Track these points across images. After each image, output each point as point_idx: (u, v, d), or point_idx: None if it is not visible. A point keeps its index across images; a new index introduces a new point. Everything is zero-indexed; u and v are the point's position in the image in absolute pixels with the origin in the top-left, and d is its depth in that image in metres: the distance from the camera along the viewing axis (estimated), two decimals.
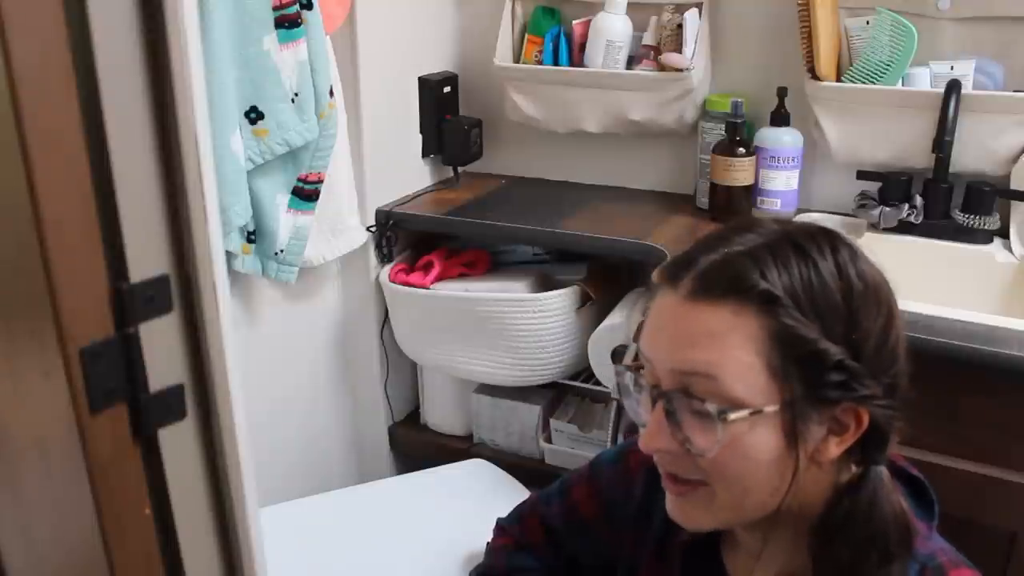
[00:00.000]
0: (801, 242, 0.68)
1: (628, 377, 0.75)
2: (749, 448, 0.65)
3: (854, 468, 0.70)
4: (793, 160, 1.52)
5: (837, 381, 0.65)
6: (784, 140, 1.52)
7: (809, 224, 0.72)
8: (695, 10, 1.56)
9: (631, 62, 1.63)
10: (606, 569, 0.91)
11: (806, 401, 0.65)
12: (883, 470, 0.69)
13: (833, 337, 0.65)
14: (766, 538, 0.75)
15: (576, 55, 1.67)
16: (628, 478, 0.89)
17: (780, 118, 1.53)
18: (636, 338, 0.79)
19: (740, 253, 0.67)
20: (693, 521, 0.72)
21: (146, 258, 0.49)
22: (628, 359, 1.43)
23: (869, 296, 0.67)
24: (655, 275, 0.72)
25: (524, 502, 1.02)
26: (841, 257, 0.67)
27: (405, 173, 1.74)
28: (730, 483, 0.67)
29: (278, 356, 1.56)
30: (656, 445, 0.69)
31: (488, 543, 1.03)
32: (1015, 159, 1.39)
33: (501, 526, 1.03)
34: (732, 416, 0.64)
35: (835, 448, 0.68)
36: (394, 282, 1.63)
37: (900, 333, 0.69)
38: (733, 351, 0.65)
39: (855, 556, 0.68)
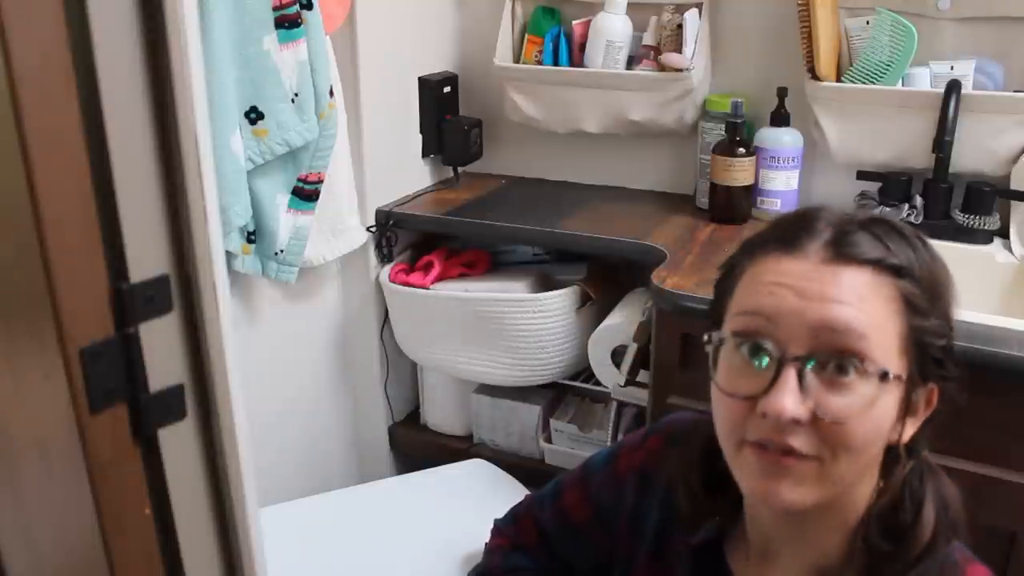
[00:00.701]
0: (896, 225, 0.70)
1: (727, 347, 0.69)
2: (880, 416, 0.65)
3: (903, 460, 0.71)
4: (793, 160, 1.52)
5: (937, 359, 0.67)
6: (784, 140, 1.52)
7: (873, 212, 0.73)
8: (695, 10, 1.56)
9: (631, 62, 1.63)
10: (601, 572, 0.90)
11: (916, 376, 0.67)
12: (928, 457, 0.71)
13: (939, 316, 0.68)
14: (804, 531, 0.72)
15: (576, 55, 1.67)
16: (619, 481, 0.88)
17: (780, 118, 1.53)
18: (711, 310, 0.75)
19: (855, 224, 0.68)
20: (791, 499, 0.66)
21: (146, 258, 0.49)
22: (629, 359, 1.43)
23: (948, 274, 0.70)
24: (750, 245, 0.71)
25: (520, 503, 1.02)
26: (924, 238, 0.70)
27: (405, 173, 1.74)
28: (853, 453, 0.65)
29: (278, 356, 1.56)
30: (795, 412, 0.63)
31: (486, 543, 1.03)
32: (1015, 159, 1.39)
33: (498, 527, 1.03)
34: (890, 379, 0.64)
35: (910, 430, 0.69)
36: (394, 282, 1.63)
37: None
38: (879, 315, 0.65)
39: (916, 548, 0.68)
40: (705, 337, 0.71)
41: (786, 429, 0.64)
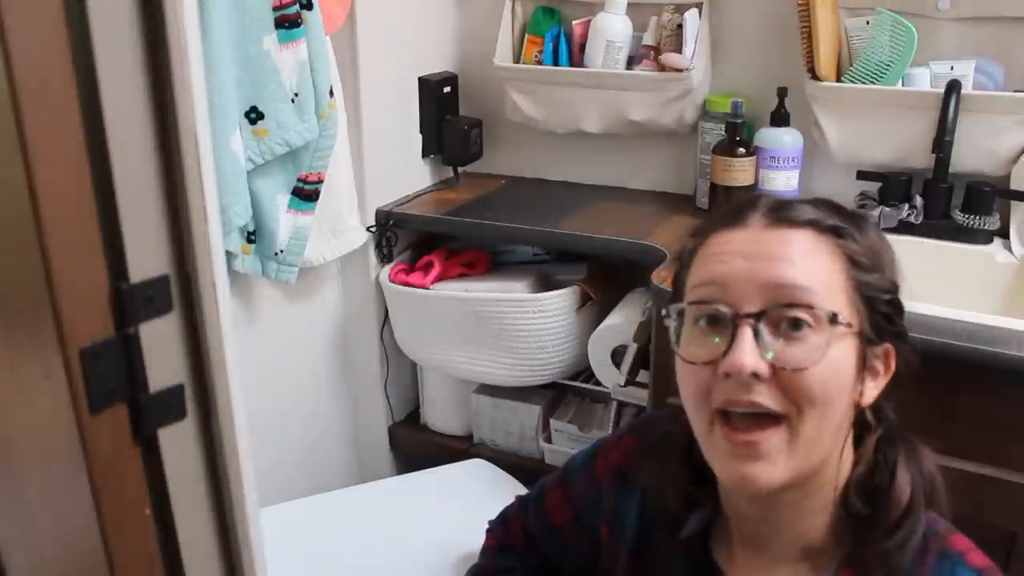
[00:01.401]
0: (837, 204, 0.74)
1: (676, 320, 0.72)
2: (838, 364, 0.67)
3: (873, 426, 0.73)
4: (793, 160, 1.52)
5: (886, 314, 0.70)
6: (784, 140, 1.52)
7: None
8: (695, 10, 1.56)
9: (631, 62, 1.63)
10: (588, 572, 0.90)
11: (869, 332, 0.70)
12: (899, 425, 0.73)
13: (882, 273, 0.71)
14: (786, 514, 0.73)
15: (576, 55, 1.67)
16: (596, 481, 0.89)
17: (780, 118, 1.53)
18: (673, 294, 0.77)
19: (794, 200, 0.73)
20: (765, 480, 0.67)
21: (146, 258, 0.49)
22: (629, 359, 1.43)
23: (894, 258, 0.74)
24: (701, 229, 0.75)
25: (511, 504, 1.03)
26: (872, 222, 0.75)
27: (405, 173, 1.74)
28: (818, 407, 0.66)
29: (278, 356, 1.56)
30: (754, 366, 0.65)
31: (482, 544, 1.04)
32: (1015, 159, 1.39)
33: (490, 527, 1.04)
34: (840, 322, 0.66)
35: (873, 391, 0.71)
36: (394, 282, 1.63)
37: None
38: (823, 269, 0.68)
39: (894, 511, 0.69)
40: (663, 312, 0.74)
41: (749, 386, 0.66)
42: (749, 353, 0.65)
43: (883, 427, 0.73)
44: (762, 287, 0.67)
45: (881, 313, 0.70)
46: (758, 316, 0.66)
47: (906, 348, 0.73)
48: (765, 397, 0.66)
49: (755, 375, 0.65)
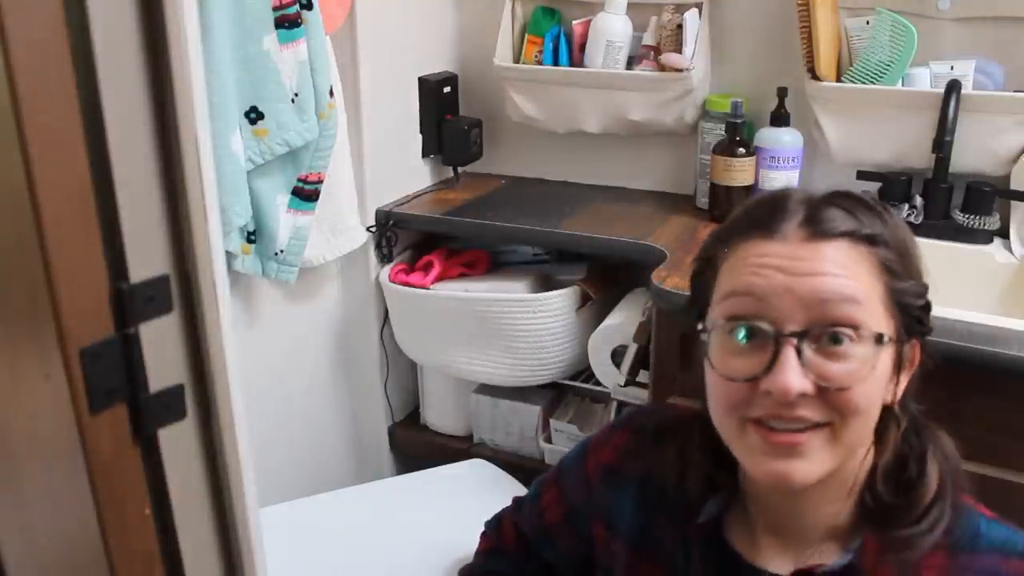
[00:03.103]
0: (860, 197, 0.72)
1: (719, 332, 0.69)
2: (880, 377, 0.67)
3: (900, 417, 0.73)
4: (793, 160, 1.52)
5: (918, 316, 0.70)
6: (784, 140, 1.52)
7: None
8: (695, 10, 1.56)
9: (631, 62, 1.63)
10: (581, 573, 0.90)
11: (903, 334, 0.70)
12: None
13: (913, 277, 0.71)
14: (810, 503, 0.73)
15: (576, 55, 1.67)
16: (588, 479, 0.88)
17: (780, 118, 1.53)
18: (694, 299, 0.76)
19: (824, 202, 0.70)
20: (802, 478, 0.67)
21: (146, 258, 0.49)
22: (629, 359, 1.43)
23: (916, 245, 0.74)
24: (727, 232, 0.73)
25: (507, 506, 1.03)
26: (892, 211, 0.73)
27: (405, 173, 1.74)
28: (861, 414, 0.67)
29: (278, 356, 1.56)
30: (800, 387, 0.64)
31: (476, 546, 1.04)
32: (1015, 159, 1.39)
33: (485, 529, 1.04)
34: (885, 341, 0.66)
35: (900, 387, 0.71)
36: (394, 282, 1.63)
37: None
38: (863, 280, 0.67)
39: (924, 498, 0.70)
40: (699, 326, 0.72)
41: (794, 404, 0.66)
42: (794, 374, 0.64)
43: (908, 417, 0.74)
44: (805, 303, 0.66)
45: (913, 316, 0.70)
46: (802, 335, 0.65)
47: (928, 342, 0.74)
48: (809, 411, 0.66)
49: (801, 394, 0.65)
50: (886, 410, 0.71)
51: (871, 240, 0.69)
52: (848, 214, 0.69)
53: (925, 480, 0.71)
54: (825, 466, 0.68)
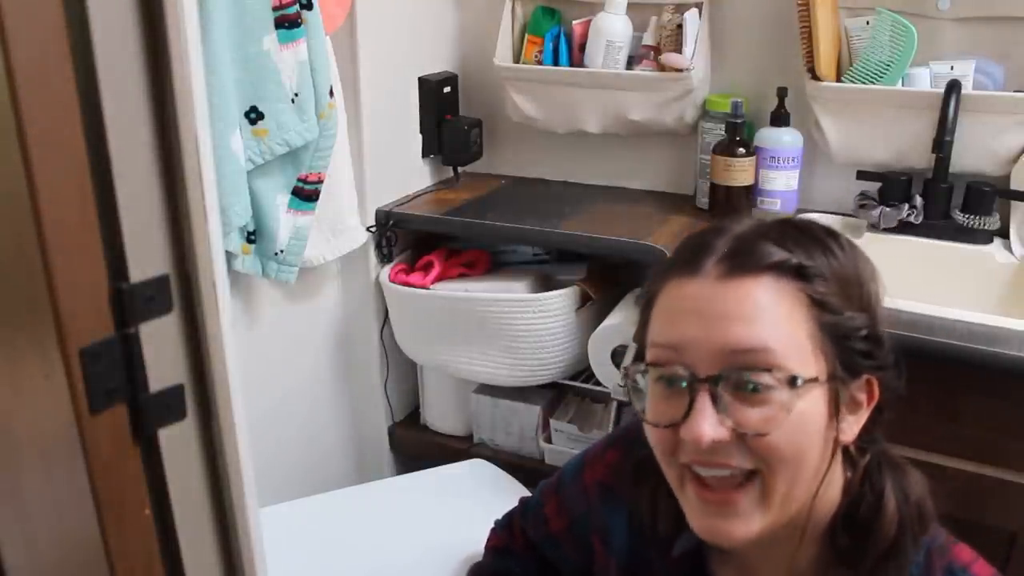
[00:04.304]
0: (801, 224, 0.70)
1: (641, 377, 0.69)
2: (804, 421, 0.64)
3: (857, 458, 0.71)
4: (793, 160, 1.52)
5: (863, 350, 0.67)
6: (784, 140, 1.52)
7: (790, 216, 0.73)
8: (695, 10, 1.56)
9: (631, 62, 1.63)
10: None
11: (841, 372, 0.66)
12: (888, 449, 0.71)
13: (854, 307, 0.67)
14: (774, 548, 0.72)
15: (576, 55, 1.67)
16: (585, 493, 0.88)
17: (780, 118, 1.53)
18: (636, 338, 0.75)
19: (756, 233, 0.68)
20: (739, 530, 0.66)
21: (146, 258, 0.49)
22: (628, 360, 1.43)
23: (870, 269, 0.70)
24: (661, 272, 0.71)
25: (515, 507, 1.03)
26: (840, 235, 0.71)
27: (405, 173, 1.74)
28: (787, 464, 0.65)
29: (278, 356, 1.56)
30: (713, 435, 0.63)
31: (486, 541, 1.04)
32: (1015, 159, 1.39)
33: (495, 528, 1.04)
34: (800, 384, 0.63)
35: (854, 427, 0.68)
36: (394, 282, 1.63)
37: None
38: (782, 322, 0.64)
39: (882, 542, 0.68)
40: (623, 371, 0.72)
41: (714, 450, 0.65)
42: (707, 421, 0.63)
43: (869, 456, 0.71)
44: (718, 351, 0.64)
45: (856, 350, 0.67)
46: (716, 380, 0.64)
47: (890, 375, 0.70)
48: (733, 457, 0.65)
49: (715, 441, 0.64)
50: (846, 451, 0.69)
51: (799, 272, 0.65)
52: (776, 246, 0.66)
53: (881, 523, 0.68)
54: (762, 522, 0.66)
